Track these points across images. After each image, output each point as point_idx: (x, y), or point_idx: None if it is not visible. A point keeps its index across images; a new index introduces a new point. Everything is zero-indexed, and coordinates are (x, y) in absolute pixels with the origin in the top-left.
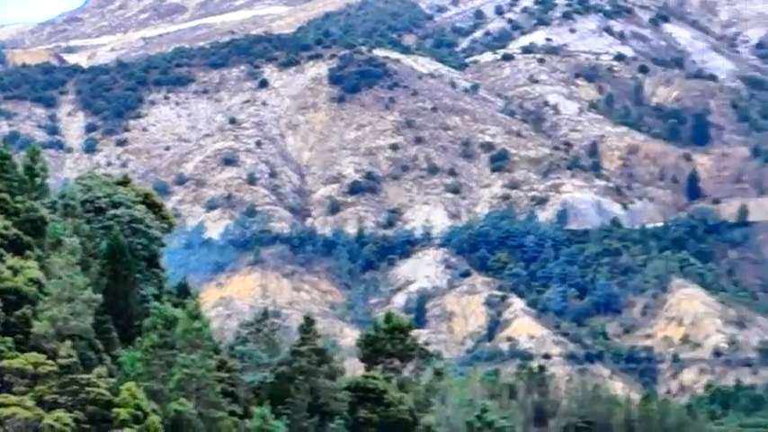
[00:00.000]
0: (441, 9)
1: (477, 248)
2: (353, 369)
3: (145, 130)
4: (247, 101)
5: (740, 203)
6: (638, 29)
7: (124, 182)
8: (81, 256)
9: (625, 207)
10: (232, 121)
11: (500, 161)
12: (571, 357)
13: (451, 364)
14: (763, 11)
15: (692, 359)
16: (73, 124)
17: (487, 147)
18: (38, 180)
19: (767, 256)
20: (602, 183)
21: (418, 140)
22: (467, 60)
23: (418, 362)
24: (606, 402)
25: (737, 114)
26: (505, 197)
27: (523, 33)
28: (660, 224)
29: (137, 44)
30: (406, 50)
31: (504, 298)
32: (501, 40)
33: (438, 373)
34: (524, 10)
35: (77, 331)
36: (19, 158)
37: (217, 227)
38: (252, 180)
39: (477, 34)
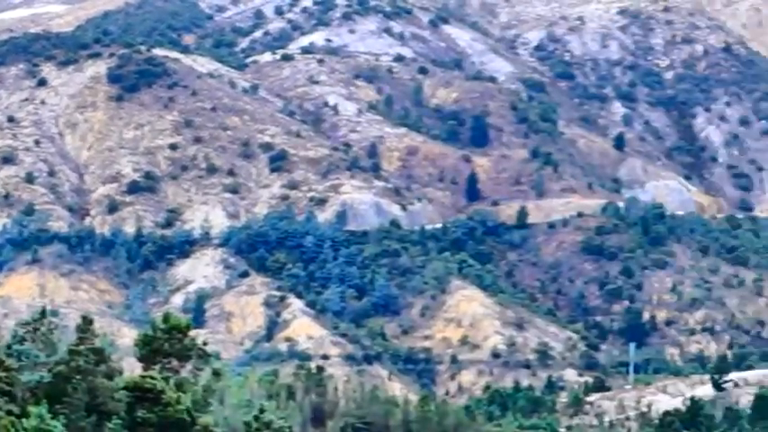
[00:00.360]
0: (220, 9)
1: (256, 249)
2: (131, 369)
3: None
4: (26, 99)
5: (519, 205)
6: (418, 30)
7: None
8: None
9: (404, 208)
10: (10, 119)
11: (279, 161)
12: (350, 358)
13: (230, 365)
14: (543, 13)
15: (470, 360)
16: None
17: (267, 147)
18: None
19: (546, 259)
20: (381, 184)
21: (197, 140)
22: (246, 60)
23: (196, 362)
24: (384, 403)
25: (516, 116)
26: (284, 197)
27: (303, 34)
28: (439, 225)
29: None
30: (185, 50)
31: (282, 298)
32: (281, 40)
33: (216, 374)
34: (304, 10)
35: None
36: None
37: None
38: (30, 179)
39: (257, 34)
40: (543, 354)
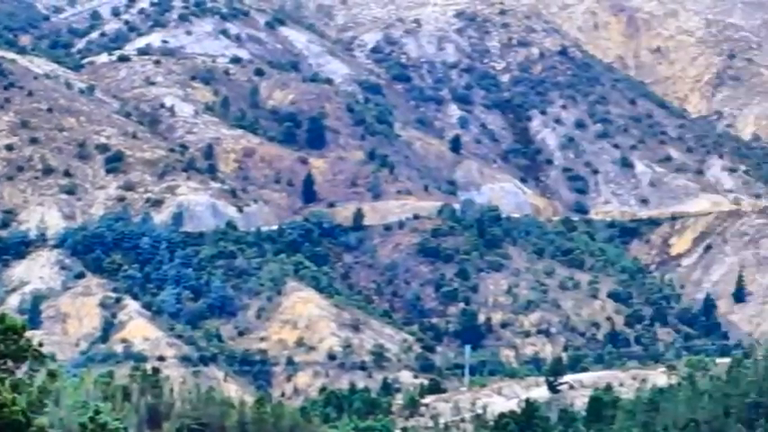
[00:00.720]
0: (57, 10)
1: (92, 250)
2: None
3: None
4: None
5: (355, 207)
6: (255, 32)
7: None
8: None
9: (240, 210)
10: None
11: (115, 162)
12: (185, 359)
13: (66, 366)
14: (379, 15)
15: (306, 362)
16: None
17: (103, 148)
18: None
19: (382, 260)
20: (217, 185)
21: (33, 141)
22: (83, 61)
23: (32, 363)
24: (220, 404)
25: (353, 118)
26: (121, 199)
27: (140, 35)
28: (275, 227)
29: None
30: (22, 51)
31: (118, 300)
32: (117, 41)
33: (52, 375)
34: (141, 12)
35: None
36: None
37: None
38: None
39: (94, 35)
40: (379, 355)
